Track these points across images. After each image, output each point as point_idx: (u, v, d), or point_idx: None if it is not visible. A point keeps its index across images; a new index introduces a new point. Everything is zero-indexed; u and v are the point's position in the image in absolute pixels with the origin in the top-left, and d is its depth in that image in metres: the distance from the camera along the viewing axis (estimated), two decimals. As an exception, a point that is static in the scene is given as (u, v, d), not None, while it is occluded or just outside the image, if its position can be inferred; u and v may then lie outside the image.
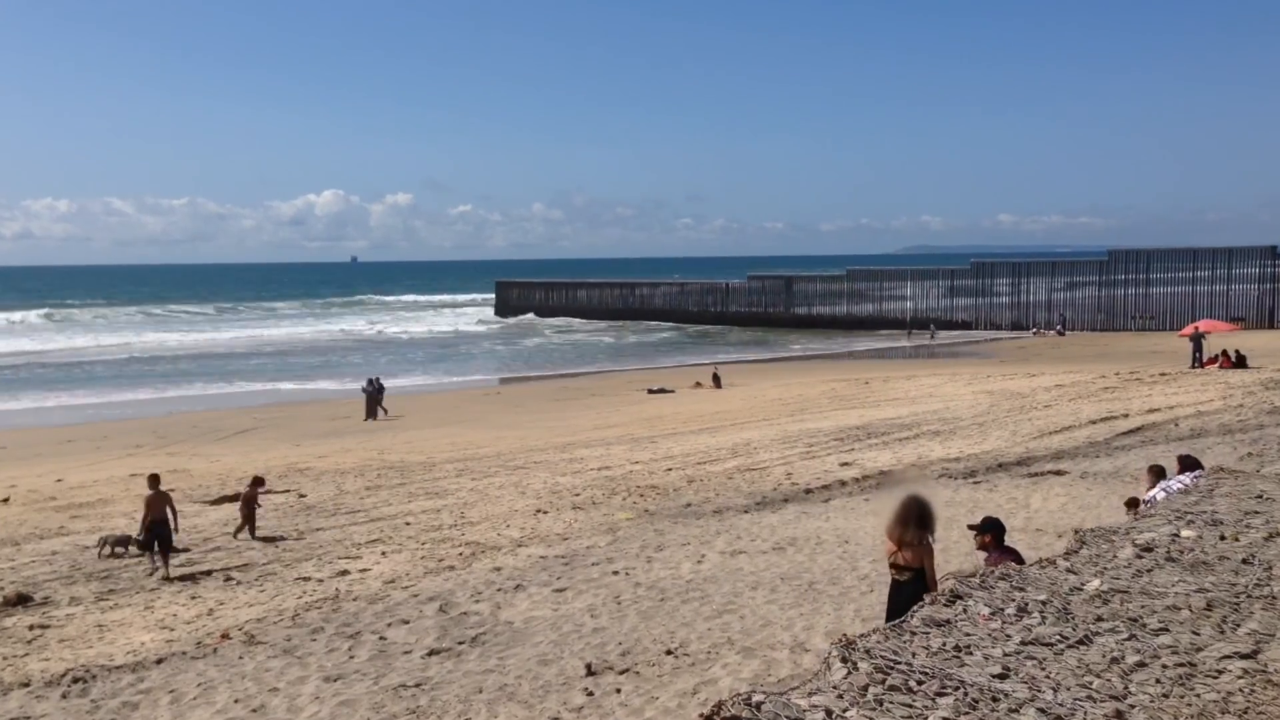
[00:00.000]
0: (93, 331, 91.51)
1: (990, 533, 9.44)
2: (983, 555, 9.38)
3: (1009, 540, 9.63)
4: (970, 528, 9.66)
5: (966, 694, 4.27)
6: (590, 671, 9.83)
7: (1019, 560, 8.80)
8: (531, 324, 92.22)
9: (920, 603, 5.67)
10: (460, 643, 11.12)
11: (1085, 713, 4.21)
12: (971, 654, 4.75)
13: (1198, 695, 4.44)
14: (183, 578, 15.56)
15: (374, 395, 38.56)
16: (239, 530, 18.20)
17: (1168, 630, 5.15)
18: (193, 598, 14.42)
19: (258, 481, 19.11)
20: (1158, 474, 11.61)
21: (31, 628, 13.16)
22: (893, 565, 8.48)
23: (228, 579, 15.35)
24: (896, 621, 5.35)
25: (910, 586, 8.27)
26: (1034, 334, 69.46)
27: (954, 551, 12.76)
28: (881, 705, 4.12)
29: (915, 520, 8.34)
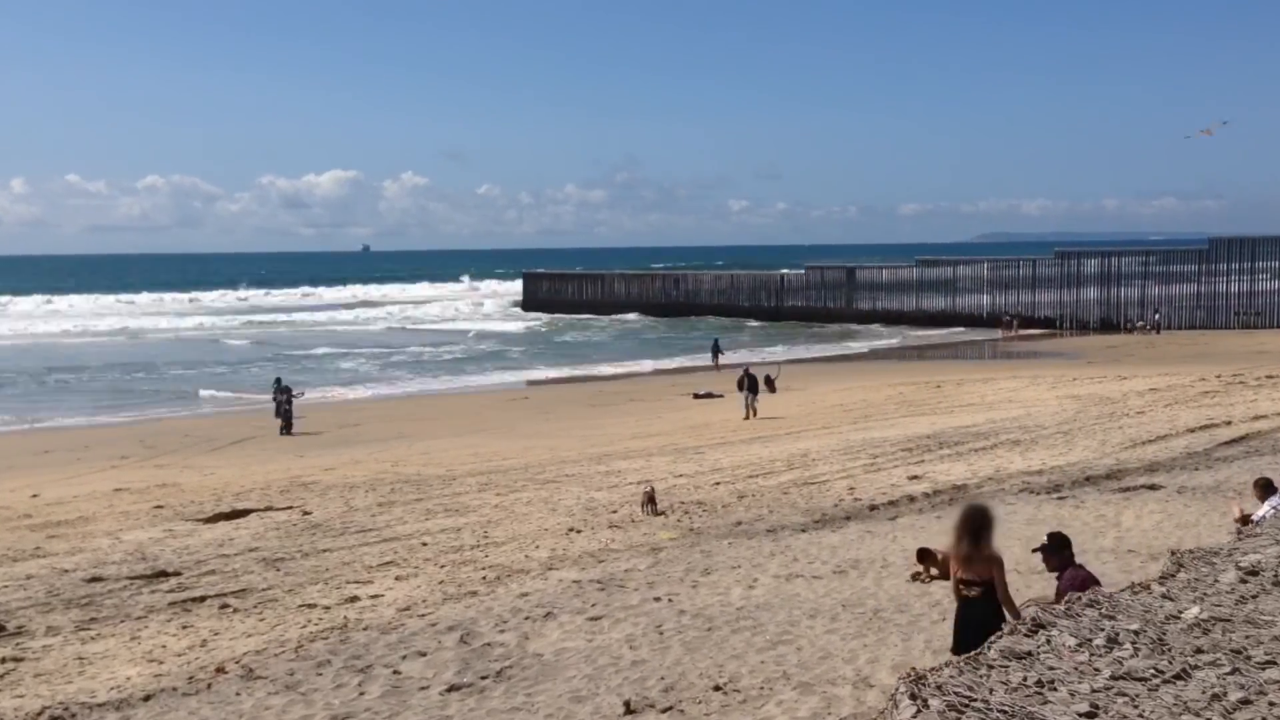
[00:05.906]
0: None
1: (1056, 553, 9.41)
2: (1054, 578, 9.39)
3: (1094, 565, 9.60)
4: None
5: (1048, 734, 4.28)
6: (629, 710, 9.86)
7: (1091, 578, 8.82)
8: (563, 320, 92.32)
9: (998, 628, 5.67)
10: (483, 677, 11.17)
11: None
12: (1056, 690, 4.75)
13: (1310, 736, 4.43)
14: (173, 604, 15.66)
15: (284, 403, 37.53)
16: None
17: (1275, 663, 5.13)
18: (184, 627, 14.45)
19: None
20: (1265, 488, 11.54)
21: (4, 660, 13.23)
22: (959, 584, 8.52)
23: (223, 606, 15.39)
24: (972, 653, 5.36)
25: (980, 604, 8.31)
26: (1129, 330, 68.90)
27: (1033, 576, 12.72)
28: (953, 746, 4.15)
29: (972, 528, 8.38)
